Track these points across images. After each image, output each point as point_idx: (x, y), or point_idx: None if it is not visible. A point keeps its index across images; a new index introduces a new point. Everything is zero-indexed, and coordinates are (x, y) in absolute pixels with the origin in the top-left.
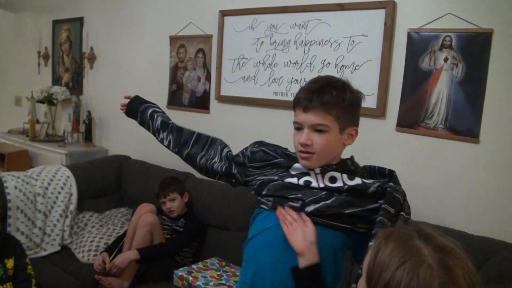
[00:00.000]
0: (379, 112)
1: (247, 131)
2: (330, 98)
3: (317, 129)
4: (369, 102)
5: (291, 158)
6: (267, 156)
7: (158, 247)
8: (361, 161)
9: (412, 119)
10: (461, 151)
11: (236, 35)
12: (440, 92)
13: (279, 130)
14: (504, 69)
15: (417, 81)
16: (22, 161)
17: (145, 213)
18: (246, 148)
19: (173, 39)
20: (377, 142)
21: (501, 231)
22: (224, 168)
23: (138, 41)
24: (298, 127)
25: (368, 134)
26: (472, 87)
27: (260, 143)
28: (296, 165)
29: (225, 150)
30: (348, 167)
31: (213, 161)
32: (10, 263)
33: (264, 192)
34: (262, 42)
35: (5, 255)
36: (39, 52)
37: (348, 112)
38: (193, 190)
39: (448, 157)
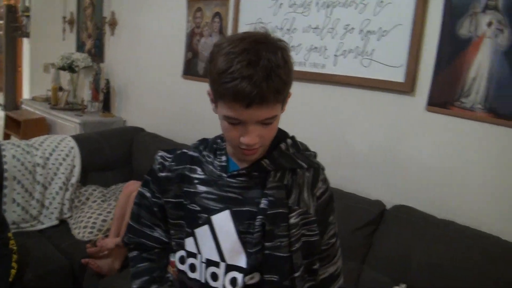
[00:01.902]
0: (408, 87)
1: None
2: (279, 82)
3: (265, 122)
4: (396, 75)
5: None
6: None
7: None
8: (384, 147)
9: (445, 96)
10: (504, 138)
11: None
12: (480, 65)
13: (294, 103)
14: None
15: (453, 51)
16: (38, 129)
17: (135, 190)
18: None
19: (190, 2)
20: (403, 123)
21: None
22: None
23: (158, 5)
24: (235, 123)
25: (392, 113)
26: None
27: None
28: None
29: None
30: (265, 168)
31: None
32: None
33: None
34: (281, 4)
35: None
36: (64, 18)
37: (291, 81)
38: None
39: (487, 145)
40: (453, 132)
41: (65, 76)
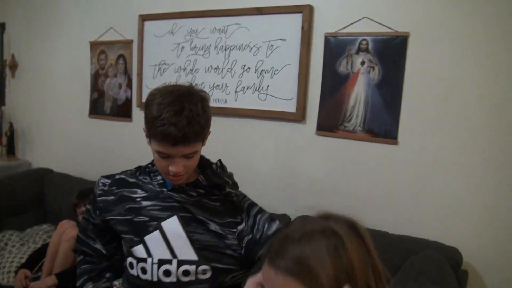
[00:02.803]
0: (299, 116)
1: None
2: (198, 127)
3: (188, 156)
4: (289, 106)
5: None
6: None
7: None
8: (283, 168)
9: (331, 122)
10: (380, 152)
11: (156, 40)
12: (358, 95)
13: None
14: (420, 71)
15: (335, 85)
16: None
17: (68, 228)
18: None
19: (93, 45)
20: (297, 147)
21: (423, 229)
22: None
23: (60, 48)
24: (164, 156)
25: (288, 139)
26: (389, 89)
27: None
28: None
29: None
30: (200, 183)
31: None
32: None
33: None
34: (183, 47)
35: None
36: None
37: (208, 125)
38: None
39: (367, 159)
40: (339, 151)
41: None
